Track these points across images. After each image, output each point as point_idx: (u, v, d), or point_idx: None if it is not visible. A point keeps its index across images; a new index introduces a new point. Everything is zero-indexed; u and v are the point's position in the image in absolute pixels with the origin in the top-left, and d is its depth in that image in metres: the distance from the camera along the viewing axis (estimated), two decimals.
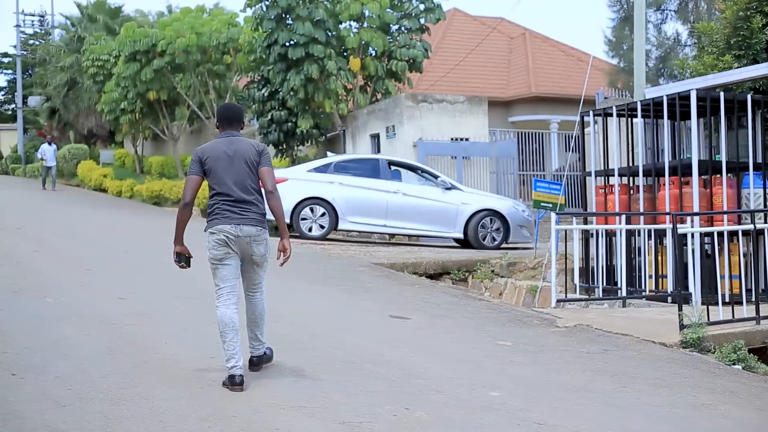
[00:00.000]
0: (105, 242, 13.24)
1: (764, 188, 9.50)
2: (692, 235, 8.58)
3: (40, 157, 26.56)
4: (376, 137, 19.80)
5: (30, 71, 47.24)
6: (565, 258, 9.94)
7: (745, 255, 8.82)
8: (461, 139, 18.65)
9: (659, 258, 9.61)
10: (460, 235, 14.51)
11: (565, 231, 10.33)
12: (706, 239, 9.22)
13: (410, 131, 18.43)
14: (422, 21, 20.76)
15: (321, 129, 21.00)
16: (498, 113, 22.74)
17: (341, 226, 14.36)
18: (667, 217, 9.16)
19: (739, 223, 9.20)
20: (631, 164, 10.57)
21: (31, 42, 48.88)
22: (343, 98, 20.86)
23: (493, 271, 12.06)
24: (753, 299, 8.06)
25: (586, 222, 10.76)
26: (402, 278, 10.79)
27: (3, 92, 56.59)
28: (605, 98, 16.39)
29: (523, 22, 46.94)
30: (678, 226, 7.89)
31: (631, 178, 10.52)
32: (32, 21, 48.48)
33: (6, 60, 54.05)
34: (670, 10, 20.22)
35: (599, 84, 20.12)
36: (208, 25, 23.59)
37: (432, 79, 23.57)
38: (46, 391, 5.01)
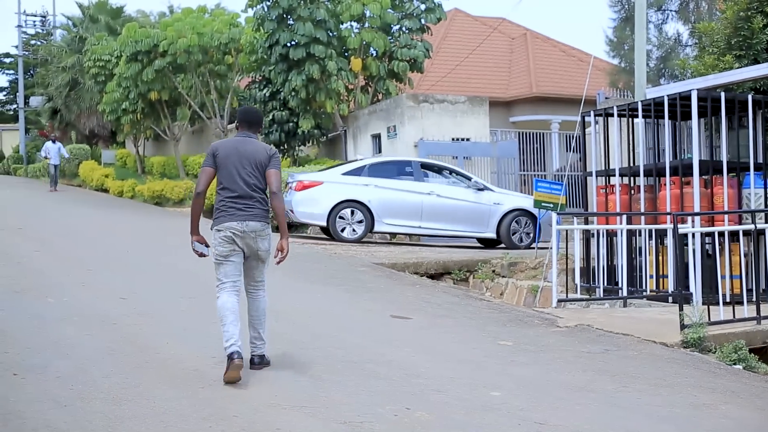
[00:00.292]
0: (106, 242, 13.26)
1: (765, 188, 9.50)
2: (693, 235, 8.58)
3: (44, 155, 26.58)
4: (377, 137, 19.81)
5: (32, 71, 47.24)
6: (566, 258, 9.95)
7: (745, 255, 8.82)
8: (462, 139, 18.66)
9: (660, 258, 9.62)
10: (493, 235, 14.63)
11: (566, 231, 10.33)
12: (707, 239, 9.22)
13: (411, 131, 18.44)
14: (423, 21, 20.77)
15: (322, 129, 21.01)
16: (499, 113, 22.75)
17: (377, 228, 14.40)
18: (668, 217, 9.16)
19: (740, 223, 9.21)
20: (632, 164, 10.58)
21: (32, 42, 48.90)
22: (345, 98, 20.87)
23: (494, 271, 12.07)
24: (754, 299, 8.06)
25: (587, 222, 10.76)
26: (403, 278, 10.80)
27: (5, 92, 56.67)
28: (606, 98, 16.39)
29: (524, 23, 46.88)
30: (679, 226, 7.89)
31: (632, 178, 10.53)
32: (34, 21, 48.52)
33: (8, 60, 54.08)
34: (671, 11, 20.21)
35: (600, 84, 20.11)
36: (209, 25, 23.59)
37: (433, 80, 23.58)
38: (47, 391, 5.02)
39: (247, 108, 6.07)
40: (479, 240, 15.07)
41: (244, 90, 23.91)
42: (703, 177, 9.59)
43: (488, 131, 19.31)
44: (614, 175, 10.50)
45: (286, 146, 21.13)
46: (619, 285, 9.52)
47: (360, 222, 14.15)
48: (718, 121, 9.58)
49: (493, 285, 11.71)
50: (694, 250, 8.45)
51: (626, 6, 19.70)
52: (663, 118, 9.91)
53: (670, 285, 9.32)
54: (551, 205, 12.69)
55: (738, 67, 10.65)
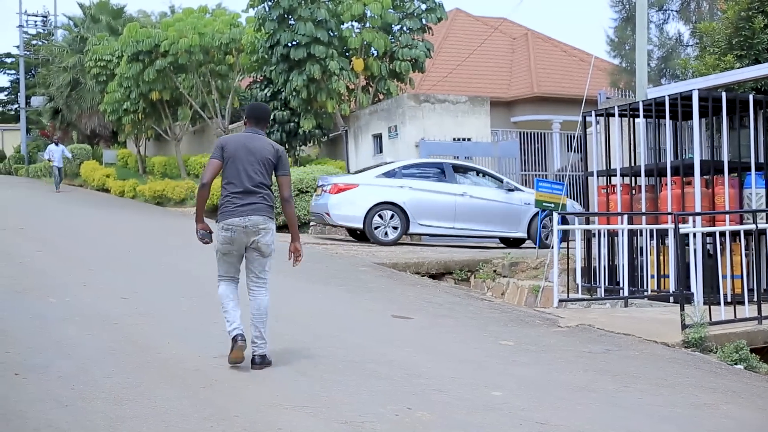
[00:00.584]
0: (108, 242, 13.27)
1: (766, 188, 9.50)
2: (694, 235, 8.58)
3: (47, 158, 26.64)
4: (378, 137, 19.81)
5: (33, 72, 47.25)
6: (567, 258, 9.95)
7: (747, 255, 8.82)
8: (463, 139, 18.66)
9: (661, 258, 9.62)
10: (524, 235, 14.78)
11: (567, 231, 10.33)
12: (708, 239, 9.21)
13: (412, 131, 18.45)
14: (424, 21, 20.76)
15: (323, 129, 21.02)
16: (500, 113, 22.75)
17: (412, 229, 14.49)
18: (669, 217, 9.16)
19: (741, 223, 9.20)
20: (633, 164, 10.57)
21: (34, 42, 48.92)
22: (346, 98, 20.87)
23: (495, 271, 12.07)
24: (755, 299, 8.06)
25: (588, 222, 10.76)
26: (404, 278, 10.80)
27: (6, 92, 56.73)
28: (607, 98, 16.37)
29: (526, 23, 46.93)
30: (680, 226, 7.89)
31: (633, 178, 10.53)
32: (35, 21, 48.67)
33: (9, 60, 54.14)
34: (672, 11, 20.19)
35: (601, 84, 20.09)
36: (210, 25, 23.60)
37: (434, 79, 23.58)
38: (48, 390, 5.03)
39: (255, 104, 6.13)
40: (502, 240, 15.19)
41: (246, 90, 23.92)
42: (704, 177, 9.59)
43: (489, 131, 19.31)
44: (615, 175, 10.49)
45: (287, 146, 21.12)
46: (621, 285, 9.52)
47: (394, 224, 14.22)
48: (720, 121, 9.58)
49: (494, 285, 11.71)
50: (695, 250, 8.45)
51: (627, 6, 19.69)
52: (664, 118, 9.91)
53: (671, 285, 9.32)
54: (552, 205, 12.69)
55: (739, 67, 10.65)
